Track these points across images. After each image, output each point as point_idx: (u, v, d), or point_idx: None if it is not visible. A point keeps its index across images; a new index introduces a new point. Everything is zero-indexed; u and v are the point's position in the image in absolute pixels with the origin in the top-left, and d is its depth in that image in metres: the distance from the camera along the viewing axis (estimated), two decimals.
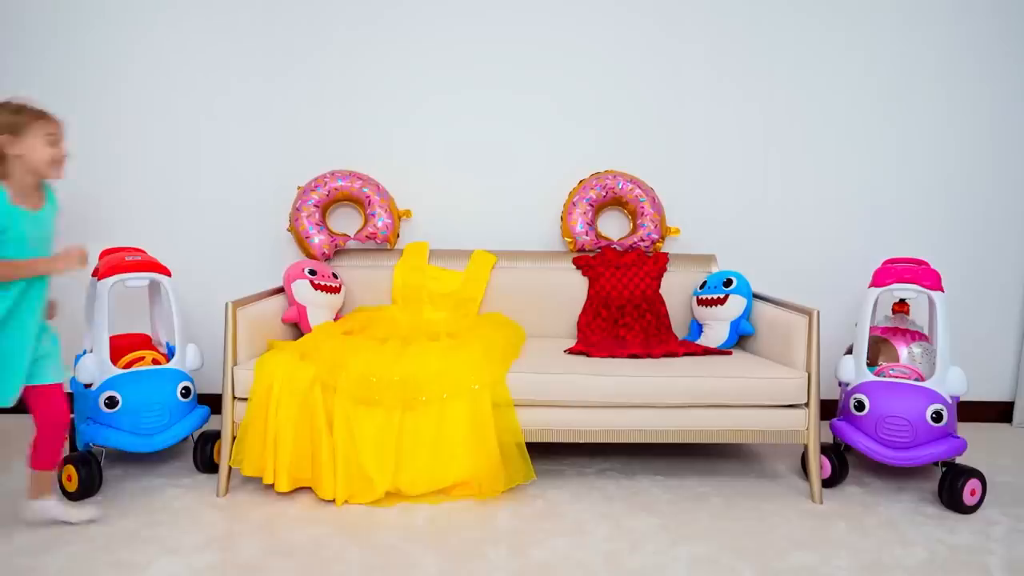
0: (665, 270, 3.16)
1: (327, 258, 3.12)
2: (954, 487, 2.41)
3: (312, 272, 2.92)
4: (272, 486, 2.41)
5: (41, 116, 1.96)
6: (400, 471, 2.39)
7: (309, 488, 2.45)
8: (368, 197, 3.14)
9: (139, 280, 2.61)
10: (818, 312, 2.48)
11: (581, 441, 2.49)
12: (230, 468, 2.44)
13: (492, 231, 3.31)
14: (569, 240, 3.21)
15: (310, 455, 2.40)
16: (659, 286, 3.13)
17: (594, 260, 3.17)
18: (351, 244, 3.23)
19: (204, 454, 2.63)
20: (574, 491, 2.54)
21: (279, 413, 2.38)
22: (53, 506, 2.18)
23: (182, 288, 2.99)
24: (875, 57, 3.30)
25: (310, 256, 3.11)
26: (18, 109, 1.93)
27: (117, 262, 2.56)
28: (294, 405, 2.39)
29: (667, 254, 3.19)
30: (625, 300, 3.08)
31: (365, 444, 2.38)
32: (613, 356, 2.67)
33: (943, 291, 2.54)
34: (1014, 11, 3.29)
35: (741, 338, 2.94)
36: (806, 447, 2.52)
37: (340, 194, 3.15)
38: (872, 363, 2.69)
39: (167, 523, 2.24)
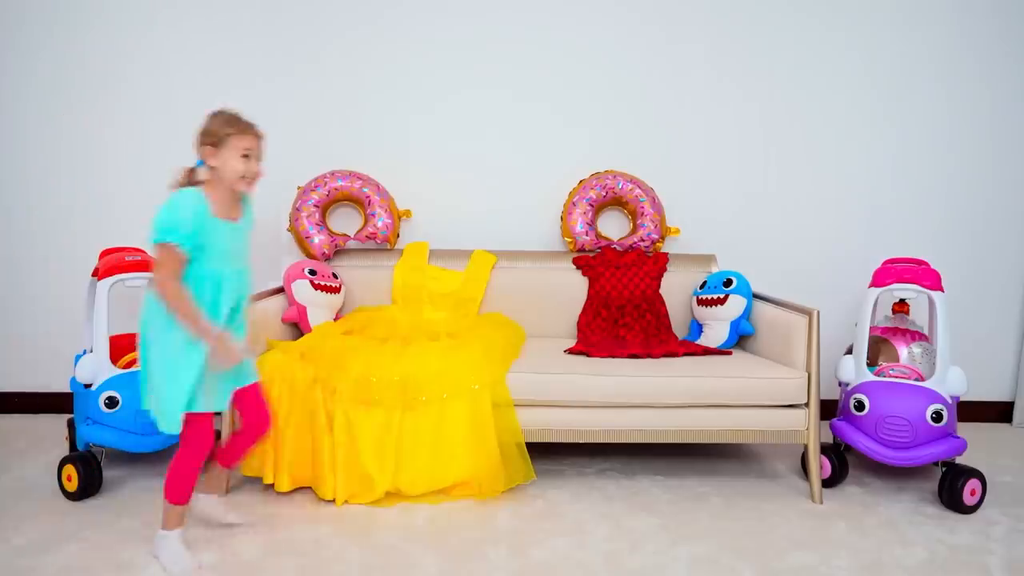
0: (665, 270, 3.16)
1: (327, 258, 3.12)
2: (954, 487, 2.41)
3: (312, 272, 2.92)
4: (272, 486, 2.41)
5: (243, 130, 1.91)
6: (400, 471, 2.39)
7: (309, 488, 2.45)
8: (368, 197, 3.14)
9: (139, 280, 2.60)
10: (818, 312, 2.48)
11: (581, 441, 2.49)
12: None
13: (492, 231, 3.31)
14: (569, 240, 3.21)
15: (310, 455, 2.40)
16: (659, 286, 3.13)
17: (594, 260, 3.17)
18: (351, 244, 3.23)
19: None
20: (574, 491, 2.54)
21: (279, 413, 2.38)
22: (214, 504, 2.19)
23: None
24: (875, 57, 3.30)
25: (310, 256, 3.11)
26: (227, 121, 1.91)
27: (117, 262, 2.56)
28: (294, 405, 2.39)
29: (667, 254, 3.19)
30: (625, 300, 3.08)
31: (365, 444, 2.38)
32: (613, 356, 2.66)
33: (943, 291, 2.54)
34: (1014, 11, 3.29)
35: (741, 338, 2.94)
36: (806, 447, 2.52)
37: (340, 194, 3.15)
38: (872, 363, 2.69)
39: None
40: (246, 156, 1.91)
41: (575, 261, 3.18)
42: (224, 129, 1.90)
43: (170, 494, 1.97)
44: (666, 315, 3.10)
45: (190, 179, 1.95)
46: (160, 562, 1.99)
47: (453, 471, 2.40)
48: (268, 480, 2.40)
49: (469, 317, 3.03)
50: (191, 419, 1.93)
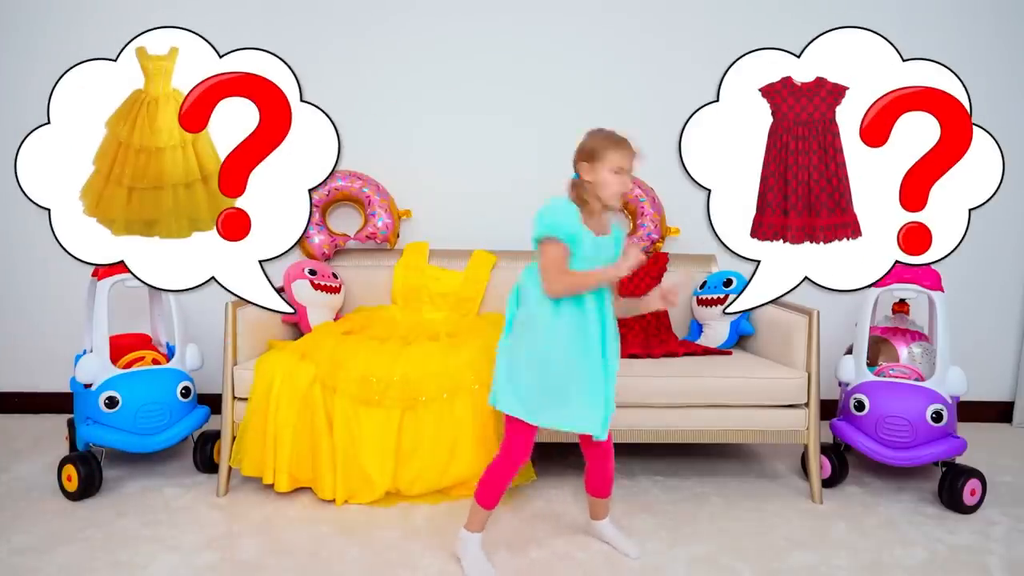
0: (665, 270, 3.15)
1: (327, 258, 3.12)
2: (954, 487, 2.41)
3: (312, 272, 2.92)
4: (272, 486, 2.41)
5: (616, 146, 1.97)
6: (400, 471, 2.40)
7: (309, 488, 2.45)
8: (368, 197, 3.14)
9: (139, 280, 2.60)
10: (818, 312, 2.48)
11: None
12: (230, 468, 2.45)
13: (492, 231, 3.31)
14: None
15: (310, 455, 2.40)
16: (659, 286, 3.13)
17: None
18: (351, 244, 3.23)
19: (204, 454, 2.63)
20: (574, 491, 2.53)
21: (279, 413, 2.38)
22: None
23: None
24: None
25: (310, 256, 3.11)
26: (604, 137, 1.99)
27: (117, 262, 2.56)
28: (294, 405, 2.40)
29: (667, 254, 3.19)
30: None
31: (365, 444, 2.38)
32: None
33: (943, 291, 2.54)
34: (1014, 11, 3.28)
35: (741, 338, 2.94)
36: (806, 447, 2.52)
37: (340, 194, 3.15)
38: (872, 363, 2.69)
39: (167, 523, 2.25)
40: (618, 172, 1.95)
41: None
42: (600, 144, 1.96)
43: (480, 496, 1.99)
44: (666, 315, 3.10)
45: (572, 193, 1.98)
46: (463, 565, 2.01)
47: (453, 471, 2.40)
48: (268, 480, 2.40)
49: (469, 317, 3.03)
50: (518, 427, 1.95)
